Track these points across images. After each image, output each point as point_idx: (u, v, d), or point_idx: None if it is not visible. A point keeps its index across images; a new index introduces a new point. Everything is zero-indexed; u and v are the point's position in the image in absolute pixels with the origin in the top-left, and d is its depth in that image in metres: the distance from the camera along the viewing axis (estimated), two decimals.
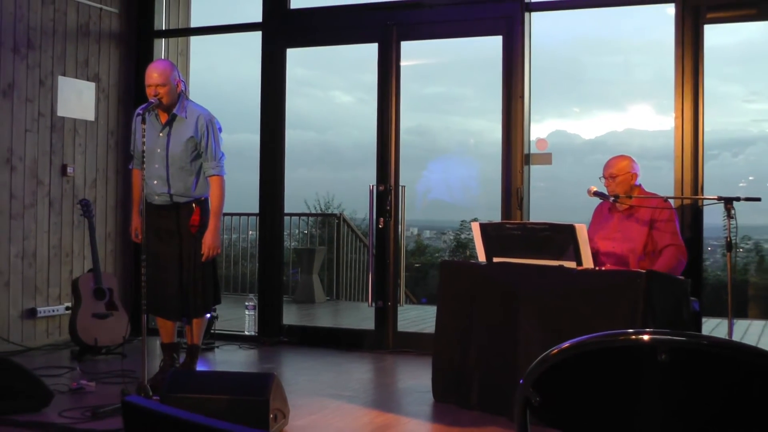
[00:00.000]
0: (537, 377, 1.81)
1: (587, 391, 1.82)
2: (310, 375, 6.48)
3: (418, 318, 9.95)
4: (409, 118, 7.98)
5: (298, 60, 8.27)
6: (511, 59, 7.15)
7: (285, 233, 9.20)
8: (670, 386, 1.67)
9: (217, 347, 7.59)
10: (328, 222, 13.13)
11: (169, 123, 5.70)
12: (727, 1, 6.65)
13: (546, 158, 7.24)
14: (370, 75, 7.68)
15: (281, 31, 7.97)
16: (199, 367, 6.13)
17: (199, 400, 4.49)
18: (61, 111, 7.61)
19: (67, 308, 7.57)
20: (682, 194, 6.52)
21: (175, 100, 5.69)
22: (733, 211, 5.16)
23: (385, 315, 7.59)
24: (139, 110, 5.33)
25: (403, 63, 7.60)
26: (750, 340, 8.60)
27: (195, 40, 8.86)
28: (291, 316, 9.96)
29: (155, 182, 5.70)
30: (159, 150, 5.68)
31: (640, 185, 5.71)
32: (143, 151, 5.18)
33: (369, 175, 7.65)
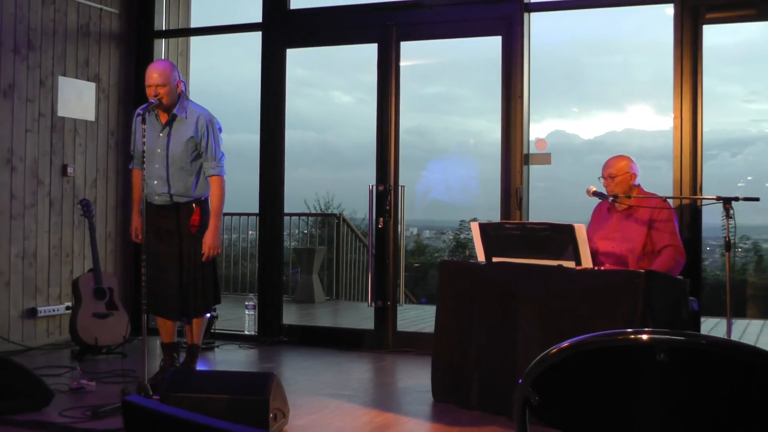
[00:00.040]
0: (536, 377, 1.81)
1: (586, 391, 1.82)
2: (309, 374, 6.49)
3: (417, 318, 9.96)
4: (408, 118, 8.00)
5: (298, 60, 8.28)
6: (511, 59, 7.16)
7: (285, 233, 9.21)
8: (669, 386, 1.67)
9: (217, 347, 7.60)
10: (328, 222, 13.14)
11: (169, 123, 5.70)
12: (726, 1, 6.66)
13: (545, 158, 7.25)
14: (369, 75, 7.69)
15: (281, 31, 7.98)
16: (199, 367, 6.14)
17: (199, 399, 4.50)
18: (62, 111, 7.62)
19: (67, 308, 7.58)
20: (681, 194, 6.53)
21: (175, 101, 5.70)
22: (731, 211, 5.17)
23: (385, 315, 7.60)
24: (139, 110, 5.34)
25: (402, 63, 7.61)
26: (748, 339, 8.61)
27: (195, 41, 8.87)
28: (291, 315, 9.97)
29: (155, 182, 5.71)
30: (159, 150, 5.69)
31: (639, 185, 5.72)
32: (143, 151, 5.19)
33: (369, 175, 7.67)
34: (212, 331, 7.61)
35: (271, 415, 4.50)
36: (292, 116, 8.16)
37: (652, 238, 5.54)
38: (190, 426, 1.37)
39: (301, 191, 14.96)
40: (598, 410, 1.83)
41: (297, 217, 12.93)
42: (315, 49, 8.38)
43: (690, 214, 6.57)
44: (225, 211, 6.03)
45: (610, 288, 4.78)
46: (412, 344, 7.48)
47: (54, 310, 7.55)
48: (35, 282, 7.41)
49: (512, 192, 7.10)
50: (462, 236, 18.70)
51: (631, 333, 1.69)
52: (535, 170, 7.27)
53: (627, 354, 1.71)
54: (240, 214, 12.08)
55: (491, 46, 7.27)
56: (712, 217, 6.34)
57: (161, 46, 8.53)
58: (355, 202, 14.10)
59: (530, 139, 7.22)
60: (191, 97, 6.17)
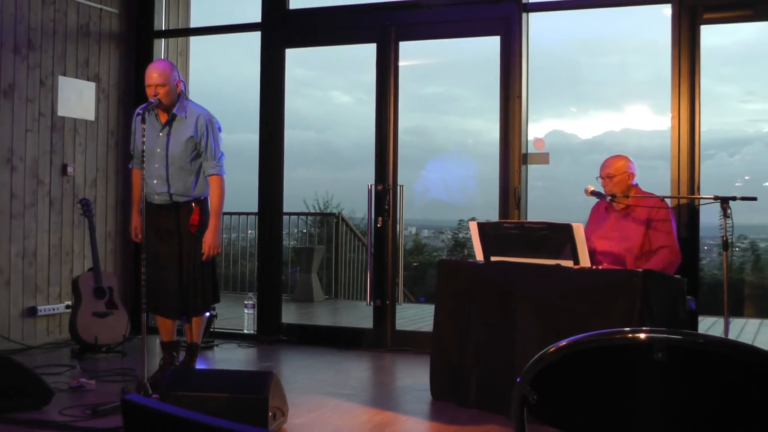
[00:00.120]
0: (534, 375, 1.81)
1: (584, 390, 1.82)
2: (308, 373, 6.50)
3: (416, 317, 9.97)
4: (407, 118, 8.00)
5: (297, 60, 8.29)
6: (509, 59, 7.17)
7: (284, 232, 9.24)
8: (667, 384, 1.67)
9: (217, 346, 7.61)
10: (327, 221, 13.15)
11: (169, 123, 5.71)
12: (724, 1, 6.67)
13: (543, 158, 7.26)
14: (368, 75, 7.70)
15: (280, 31, 7.99)
16: (199, 366, 6.14)
17: (199, 398, 4.50)
18: (62, 111, 7.64)
19: (67, 307, 7.59)
20: (679, 194, 6.54)
21: (175, 100, 5.71)
22: (729, 211, 5.19)
23: (384, 314, 7.61)
24: (138, 110, 5.35)
25: (401, 63, 7.61)
26: (746, 338, 8.62)
27: (194, 41, 8.87)
28: (290, 314, 9.98)
29: (155, 182, 5.71)
30: (159, 150, 5.70)
31: (636, 185, 5.73)
32: (143, 151, 5.20)
33: (367, 175, 7.67)
34: (211, 330, 7.63)
35: (270, 413, 4.50)
36: (292, 116, 8.19)
37: (649, 238, 5.55)
38: (189, 424, 1.37)
39: (300, 191, 14.97)
40: (595, 409, 1.83)
41: (296, 217, 12.92)
42: (314, 49, 8.39)
43: (687, 213, 6.58)
44: (224, 210, 6.03)
45: (608, 287, 4.79)
46: (410, 343, 7.50)
47: (54, 309, 7.56)
48: (35, 281, 7.42)
49: (510, 191, 7.11)
50: (460, 235, 18.70)
51: (629, 332, 1.68)
52: (533, 170, 7.28)
53: (625, 353, 1.71)
54: (239, 214, 12.08)
55: (490, 46, 7.29)
56: (709, 216, 6.36)
57: (161, 45, 8.54)
58: (354, 201, 14.13)
59: (528, 138, 7.23)
60: (191, 96, 6.19)
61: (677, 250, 5.56)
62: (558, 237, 5.12)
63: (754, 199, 5.36)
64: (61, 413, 4.98)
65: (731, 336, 6.74)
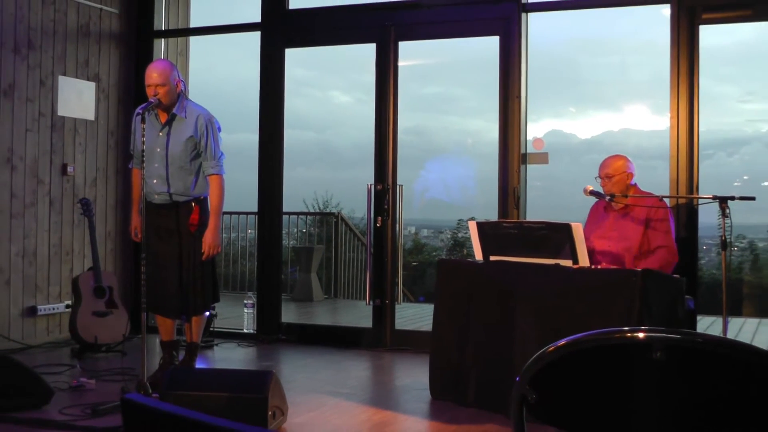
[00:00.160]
0: (533, 375, 1.82)
1: (583, 389, 1.83)
2: (308, 372, 6.51)
3: (415, 316, 9.98)
4: (407, 118, 8.00)
5: (297, 60, 8.29)
6: (508, 59, 7.18)
7: (283, 232, 9.25)
8: (666, 383, 1.68)
9: (216, 345, 7.61)
10: (327, 221, 13.16)
11: (169, 122, 5.72)
12: (723, 2, 6.68)
13: (542, 158, 7.27)
14: (368, 75, 7.70)
15: (280, 31, 7.99)
16: (198, 365, 6.15)
17: (198, 397, 4.51)
18: (62, 111, 7.64)
19: (67, 306, 7.60)
20: (678, 193, 6.55)
21: (175, 100, 5.72)
22: (727, 210, 5.20)
23: (383, 313, 7.62)
24: (138, 110, 5.36)
25: (401, 63, 7.62)
26: (744, 337, 8.64)
27: (194, 40, 8.88)
28: (289, 314, 9.99)
29: (155, 181, 5.72)
30: (159, 149, 5.71)
31: (635, 184, 5.74)
32: (143, 151, 5.20)
33: (367, 175, 7.68)
34: (211, 329, 7.63)
35: (269, 412, 4.51)
36: (291, 116, 8.20)
37: (648, 237, 5.56)
38: (189, 424, 1.37)
39: (299, 190, 14.98)
40: (594, 408, 1.84)
41: (296, 216, 12.92)
42: (314, 49, 8.40)
43: (686, 213, 6.59)
44: (224, 210, 6.04)
45: (607, 286, 4.80)
46: (410, 342, 7.50)
47: (54, 309, 7.57)
48: (35, 280, 7.43)
49: (510, 191, 7.12)
50: (460, 235, 18.69)
51: (628, 331, 1.69)
52: (532, 169, 7.29)
53: (624, 352, 1.71)
54: (239, 213, 12.08)
55: (489, 46, 7.29)
56: (708, 216, 6.36)
57: (161, 45, 8.55)
58: (354, 201, 14.13)
59: (528, 138, 7.24)
60: (190, 96, 6.20)
61: (675, 250, 5.57)
62: (557, 237, 5.13)
63: (753, 198, 5.37)
64: (61, 412, 4.98)
65: (730, 335, 6.75)
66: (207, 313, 6.14)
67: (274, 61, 7.99)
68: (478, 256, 5.53)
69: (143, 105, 5.42)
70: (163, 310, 5.87)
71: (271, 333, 7.89)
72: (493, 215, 7.23)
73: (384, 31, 7.60)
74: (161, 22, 8.53)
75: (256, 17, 8.08)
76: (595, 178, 5.76)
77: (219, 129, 5.87)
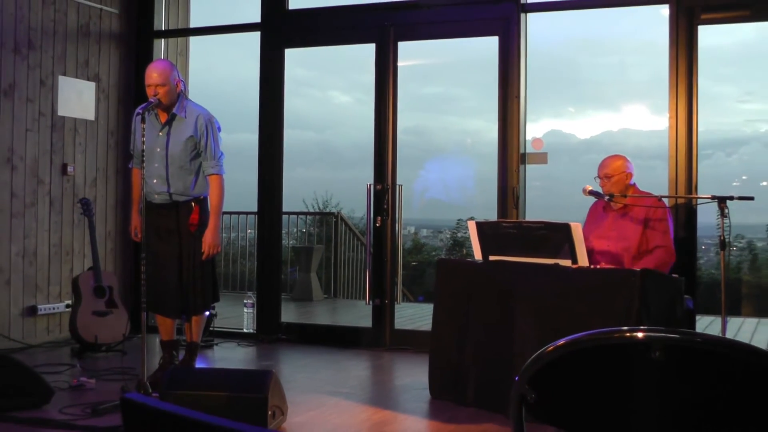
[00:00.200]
0: (532, 374, 1.82)
1: (582, 388, 1.83)
2: (308, 372, 6.52)
3: (415, 316, 9.99)
4: (406, 118, 8.01)
5: (297, 60, 8.30)
6: (508, 60, 7.19)
7: (283, 232, 9.26)
8: (665, 383, 1.68)
9: (216, 345, 7.62)
10: (326, 221, 13.17)
11: (169, 122, 5.73)
12: (721, 2, 6.69)
13: (542, 158, 7.28)
14: (368, 75, 7.71)
15: (280, 31, 8.00)
16: (198, 365, 6.15)
17: (198, 397, 4.51)
18: (62, 111, 7.65)
19: (67, 306, 7.61)
20: (677, 193, 6.56)
21: (175, 100, 5.72)
22: (726, 210, 5.20)
23: (383, 313, 7.63)
24: (138, 110, 5.36)
25: (400, 63, 7.62)
26: (743, 337, 8.65)
27: (194, 41, 8.89)
28: (289, 313, 10.00)
29: (155, 181, 5.73)
30: (159, 149, 5.72)
31: (634, 184, 5.75)
32: (143, 151, 5.21)
33: (367, 175, 7.69)
34: (211, 329, 7.64)
35: (269, 412, 4.52)
36: (291, 116, 8.21)
37: (646, 237, 5.57)
38: (189, 423, 1.37)
39: (299, 190, 14.99)
40: (593, 407, 1.84)
41: (295, 216, 12.93)
42: (313, 49, 8.40)
43: (685, 213, 6.60)
44: (224, 209, 6.05)
45: (606, 286, 4.81)
46: (409, 342, 7.51)
47: (54, 308, 7.58)
48: (35, 280, 7.44)
49: (509, 191, 7.13)
50: (459, 235, 18.71)
51: (627, 331, 1.69)
52: (531, 169, 7.30)
53: (623, 352, 1.71)
54: (239, 213, 12.09)
55: (488, 46, 7.30)
56: (707, 216, 6.37)
57: (161, 45, 8.55)
58: (353, 201, 14.14)
59: (527, 138, 7.25)
60: (190, 96, 6.21)
61: (672, 250, 5.57)
62: (556, 236, 5.14)
63: (752, 198, 5.38)
64: (61, 412, 4.99)
65: (728, 335, 6.77)
66: (207, 313, 6.15)
67: (274, 61, 8.00)
68: (478, 255, 5.53)
69: (143, 105, 5.43)
70: (163, 310, 5.87)
71: (271, 333, 7.90)
72: (492, 215, 7.24)
73: (383, 31, 7.61)
74: (161, 22, 8.54)
75: (256, 17, 8.08)
76: (594, 178, 5.77)
77: (219, 129, 5.88)
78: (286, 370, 6.59)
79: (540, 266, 5.15)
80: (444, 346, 5.61)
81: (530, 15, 7.27)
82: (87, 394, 5.49)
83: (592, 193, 5.70)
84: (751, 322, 10.21)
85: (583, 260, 5.05)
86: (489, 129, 7.53)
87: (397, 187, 7.59)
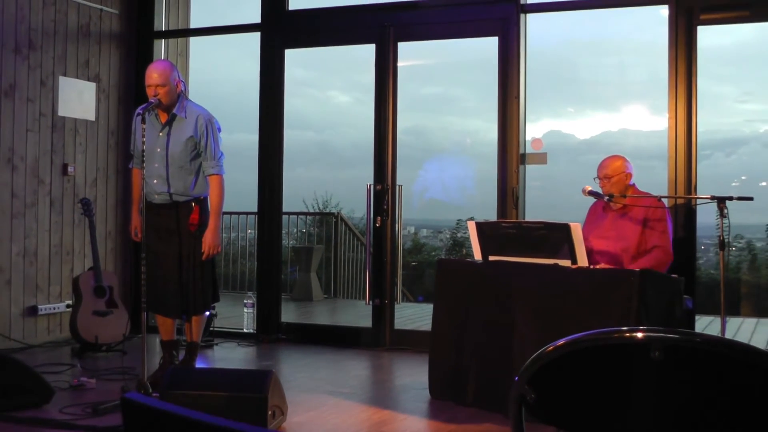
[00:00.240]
0: (532, 374, 1.83)
1: (582, 388, 1.84)
2: (308, 372, 6.52)
3: (414, 316, 10.00)
4: (406, 118, 8.01)
5: (297, 61, 8.30)
6: (507, 60, 7.20)
7: (283, 232, 9.26)
8: (664, 383, 1.68)
9: (216, 344, 7.63)
10: (326, 221, 13.17)
11: (169, 123, 5.74)
12: (721, 2, 6.70)
13: (541, 158, 7.29)
14: (367, 76, 7.71)
15: (280, 32, 8.01)
16: (198, 365, 6.15)
17: (198, 396, 4.51)
18: (62, 111, 7.66)
19: (67, 306, 7.61)
20: (676, 194, 6.57)
21: (175, 100, 5.73)
22: (725, 210, 5.20)
23: (382, 313, 7.63)
24: (139, 110, 5.37)
25: (400, 64, 7.63)
26: (742, 337, 8.66)
27: (194, 41, 8.89)
28: (289, 313, 10.01)
29: (155, 181, 5.74)
30: (159, 149, 5.73)
31: (634, 185, 5.76)
32: (143, 151, 5.22)
33: (366, 175, 7.69)
34: (211, 329, 7.64)
35: (269, 412, 4.52)
36: (291, 116, 8.21)
37: (645, 237, 5.58)
38: (189, 423, 1.37)
39: (299, 190, 14.98)
40: (593, 407, 1.85)
41: (295, 216, 12.93)
42: (313, 50, 8.41)
43: (684, 213, 6.61)
44: (224, 210, 6.05)
45: (606, 286, 4.82)
46: (409, 342, 7.52)
47: (54, 308, 7.58)
48: (36, 280, 7.45)
49: (508, 191, 7.14)
50: (459, 235, 18.70)
51: (626, 331, 1.70)
52: (531, 170, 7.31)
53: (622, 352, 1.72)
54: (239, 213, 12.08)
55: (488, 46, 7.31)
56: (706, 216, 6.40)
57: (161, 46, 8.56)
58: (353, 201, 14.14)
59: (526, 138, 7.25)
60: (190, 96, 6.21)
61: (669, 250, 5.57)
62: (556, 237, 5.15)
63: (751, 199, 5.38)
64: (61, 412, 5.00)
65: (728, 335, 6.77)
66: (207, 313, 6.16)
67: (274, 61, 8.01)
68: (477, 256, 5.54)
69: (143, 105, 5.43)
70: (163, 310, 5.88)
71: (271, 333, 7.90)
72: (492, 215, 7.24)
73: (383, 32, 7.62)
74: (161, 23, 8.54)
75: (256, 18, 8.09)
76: (594, 179, 5.77)
77: (219, 129, 5.88)
78: (286, 370, 6.60)
79: (539, 266, 5.16)
80: (444, 346, 5.62)
81: (530, 15, 7.28)
82: (87, 394, 5.50)
83: (591, 193, 5.70)
84: (750, 322, 10.21)
85: (582, 260, 5.06)
86: (488, 129, 7.53)
87: (397, 187, 7.60)
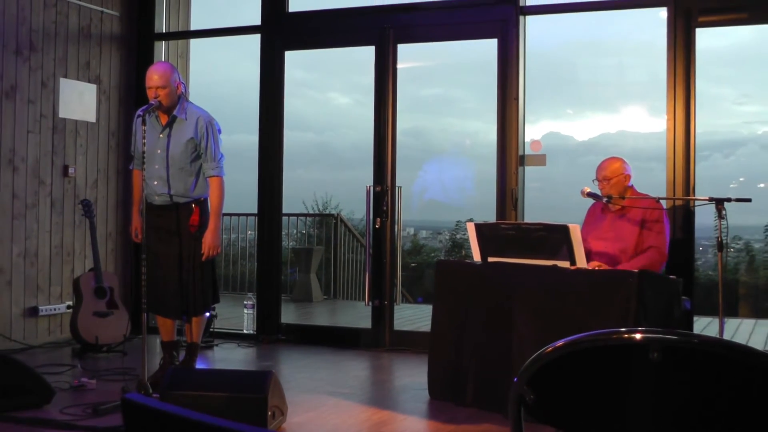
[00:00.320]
0: (531, 375, 1.83)
1: (580, 389, 1.84)
2: (307, 372, 6.53)
3: (414, 317, 10.00)
4: (405, 120, 8.01)
5: (297, 62, 8.31)
6: (506, 62, 7.21)
7: (283, 233, 9.27)
8: (662, 384, 1.69)
9: (216, 345, 7.64)
10: (326, 222, 13.17)
11: (170, 124, 5.75)
12: (719, 5, 6.72)
13: (540, 159, 7.30)
14: (367, 77, 7.72)
15: (280, 34, 8.02)
16: (199, 365, 6.16)
17: (198, 397, 4.52)
18: (63, 112, 7.67)
19: (68, 307, 7.62)
20: (674, 195, 6.58)
21: (175, 102, 5.74)
22: (724, 212, 5.22)
23: (382, 314, 7.65)
24: (139, 112, 5.38)
25: (399, 65, 7.64)
26: (740, 338, 8.67)
27: (195, 43, 8.90)
28: (289, 314, 10.01)
29: (155, 183, 5.75)
30: (159, 151, 5.74)
31: (632, 186, 5.77)
32: (143, 152, 5.24)
33: (366, 176, 7.70)
34: (211, 329, 7.65)
35: (269, 412, 4.53)
36: (291, 117, 8.20)
37: (642, 238, 5.60)
38: (189, 423, 1.37)
39: (299, 192, 14.97)
40: (592, 408, 1.85)
41: (295, 218, 12.94)
42: (313, 52, 8.43)
43: (683, 214, 6.62)
44: (224, 211, 6.06)
45: (604, 287, 4.84)
46: (408, 343, 7.53)
47: (55, 309, 7.59)
48: (36, 281, 7.46)
49: (508, 192, 7.16)
50: (458, 236, 18.68)
51: (625, 332, 1.70)
52: (530, 171, 7.32)
53: (621, 353, 1.73)
54: (239, 215, 12.08)
55: (487, 48, 7.32)
56: (704, 217, 6.41)
57: (161, 48, 8.57)
58: (353, 202, 14.14)
59: (525, 140, 7.27)
60: (191, 98, 6.22)
61: (664, 251, 5.58)
62: (555, 238, 5.16)
63: (749, 200, 5.40)
64: (61, 412, 5.01)
65: (726, 336, 6.79)
66: (207, 314, 6.16)
67: (274, 63, 8.02)
68: (477, 257, 5.56)
69: (144, 107, 5.45)
70: (163, 311, 5.89)
71: (271, 333, 7.91)
72: (491, 216, 7.25)
73: (383, 34, 7.63)
74: (162, 25, 8.55)
75: (256, 20, 8.10)
76: (593, 181, 5.78)
77: (219, 131, 5.89)
78: (286, 371, 6.61)
79: (538, 267, 5.17)
80: (443, 346, 5.63)
81: (529, 17, 7.29)
82: (88, 395, 5.51)
83: (590, 194, 5.72)
84: (748, 323, 10.23)
85: (581, 261, 5.08)
86: (488, 131, 7.54)
87: (397, 188, 7.61)
